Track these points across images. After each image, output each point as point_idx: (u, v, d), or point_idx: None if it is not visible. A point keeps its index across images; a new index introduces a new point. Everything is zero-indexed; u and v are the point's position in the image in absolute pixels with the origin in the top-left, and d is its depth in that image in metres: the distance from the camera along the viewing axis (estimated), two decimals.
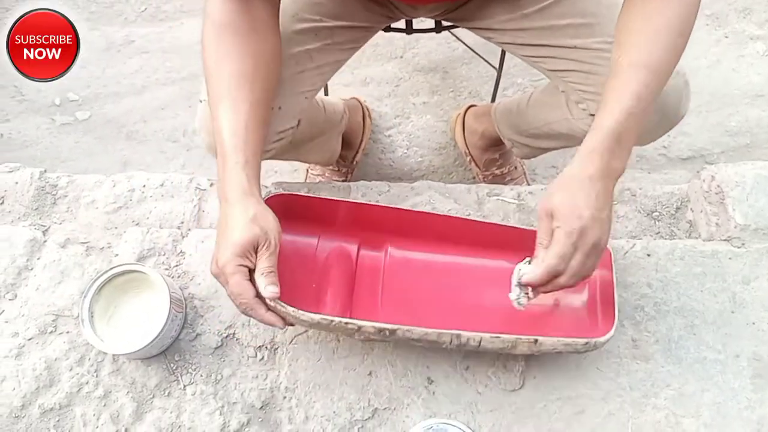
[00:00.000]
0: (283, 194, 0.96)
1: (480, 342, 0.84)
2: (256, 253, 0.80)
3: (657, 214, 1.13)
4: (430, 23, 1.29)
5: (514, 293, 0.86)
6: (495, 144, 1.59)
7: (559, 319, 0.95)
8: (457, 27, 1.24)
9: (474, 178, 1.68)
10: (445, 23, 1.27)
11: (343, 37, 1.06)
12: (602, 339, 0.85)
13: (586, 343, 0.85)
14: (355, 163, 1.68)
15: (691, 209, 1.12)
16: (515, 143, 1.42)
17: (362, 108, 1.71)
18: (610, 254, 0.95)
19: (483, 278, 1.00)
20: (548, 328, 0.94)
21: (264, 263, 0.80)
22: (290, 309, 0.80)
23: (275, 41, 0.92)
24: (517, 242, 0.96)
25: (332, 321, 0.82)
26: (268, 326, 0.86)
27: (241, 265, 0.79)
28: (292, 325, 0.85)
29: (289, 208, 0.94)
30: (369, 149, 1.74)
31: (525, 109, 1.32)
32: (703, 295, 0.99)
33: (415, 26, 1.32)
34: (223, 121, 0.85)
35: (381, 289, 0.98)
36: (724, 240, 1.05)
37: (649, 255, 1.02)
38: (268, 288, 0.79)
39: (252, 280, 0.80)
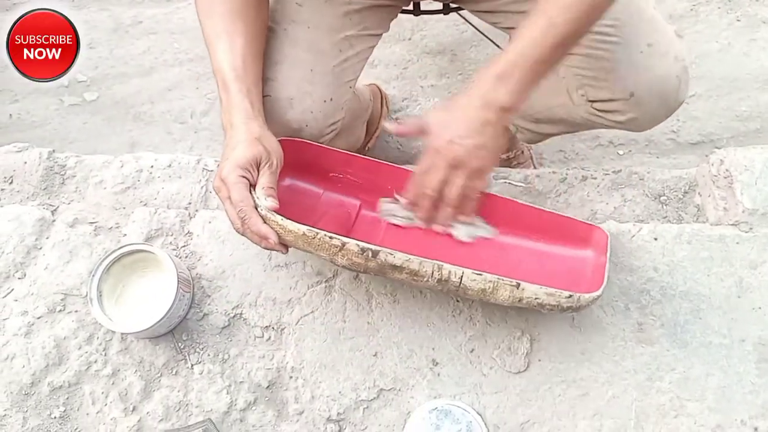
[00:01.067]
0: (293, 139, 0.96)
1: (461, 279, 0.84)
2: (258, 170, 0.83)
3: (665, 198, 1.12)
4: (438, 5, 1.28)
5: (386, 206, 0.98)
6: None
7: (549, 280, 0.92)
8: (463, 9, 1.23)
9: None
10: (452, 5, 1.26)
11: (371, 20, 1.06)
12: (587, 296, 0.84)
13: (570, 296, 0.84)
14: (367, 149, 1.68)
15: (699, 193, 1.12)
16: (519, 128, 1.42)
17: (381, 94, 1.71)
18: (607, 239, 0.96)
19: (482, 248, 1.00)
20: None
21: (265, 179, 0.83)
22: (278, 218, 0.82)
23: None
24: (521, 217, 0.98)
25: (317, 234, 0.82)
26: (259, 245, 0.86)
27: (242, 176, 0.82)
28: (285, 247, 0.86)
29: (297, 155, 0.95)
30: None
31: None
32: (709, 280, 0.99)
33: (423, 8, 1.31)
34: (221, 55, 0.88)
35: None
36: (732, 224, 1.04)
37: (656, 239, 1.02)
38: (268, 200, 0.82)
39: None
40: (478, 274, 0.83)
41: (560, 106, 1.15)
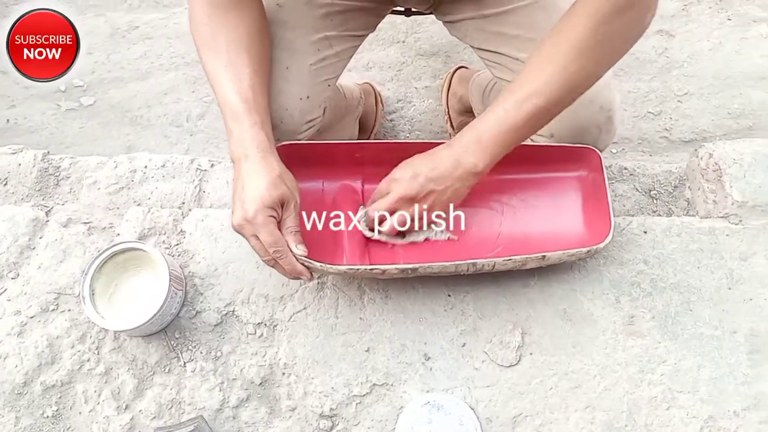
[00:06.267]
0: (287, 144, 0.97)
1: (494, 266, 0.91)
2: (281, 210, 0.85)
3: (655, 192, 1.13)
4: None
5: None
6: (470, 111, 1.59)
7: (561, 234, 1.00)
8: (425, 14, 1.22)
9: (449, 136, 1.68)
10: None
11: (354, 21, 1.07)
12: (602, 245, 0.91)
13: (588, 251, 0.92)
14: None
15: (689, 187, 1.13)
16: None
17: (374, 92, 1.72)
18: (600, 157, 0.98)
19: (483, 198, 1.03)
20: (552, 243, 0.98)
21: (291, 222, 0.86)
22: (317, 264, 0.86)
23: (262, 15, 0.95)
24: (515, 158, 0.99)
25: (358, 269, 0.89)
26: (289, 279, 0.93)
27: (271, 216, 0.83)
28: (312, 278, 0.91)
29: (294, 157, 0.96)
30: None
31: (488, 94, 1.33)
32: (699, 272, 1.00)
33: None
34: (227, 87, 0.88)
35: None
36: (722, 217, 1.05)
37: (645, 232, 1.02)
38: (299, 247, 0.85)
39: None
40: (507, 259, 0.91)
41: None
